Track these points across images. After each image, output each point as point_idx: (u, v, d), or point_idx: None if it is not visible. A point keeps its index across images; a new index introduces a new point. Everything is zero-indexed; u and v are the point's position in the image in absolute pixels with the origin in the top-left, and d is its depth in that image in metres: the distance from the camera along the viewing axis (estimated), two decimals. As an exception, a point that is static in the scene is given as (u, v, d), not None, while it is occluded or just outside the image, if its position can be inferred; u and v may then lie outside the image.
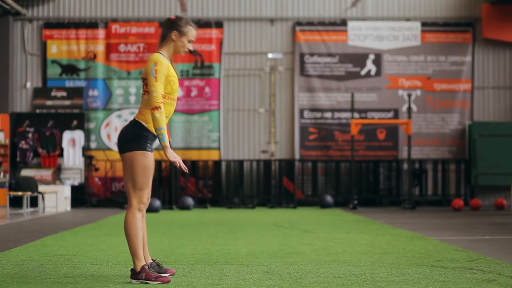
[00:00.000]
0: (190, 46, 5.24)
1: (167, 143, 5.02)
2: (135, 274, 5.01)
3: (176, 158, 5.06)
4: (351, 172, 18.01)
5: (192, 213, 15.33)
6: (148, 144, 5.09)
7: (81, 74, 19.05)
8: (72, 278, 5.24)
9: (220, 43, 19.20)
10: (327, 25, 19.34)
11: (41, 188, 15.65)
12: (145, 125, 5.07)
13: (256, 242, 8.19)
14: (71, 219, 13.35)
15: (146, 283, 4.97)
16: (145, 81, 5.09)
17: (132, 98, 19.10)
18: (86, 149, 18.79)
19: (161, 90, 5.02)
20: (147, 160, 5.05)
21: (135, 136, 5.06)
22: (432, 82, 19.41)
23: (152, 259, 5.27)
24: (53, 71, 19.08)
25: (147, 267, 5.01)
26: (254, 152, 19.19)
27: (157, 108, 4.96)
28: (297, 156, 19.06)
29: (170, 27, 5.18)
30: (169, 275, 5.24)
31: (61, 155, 18.53)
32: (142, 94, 5.16)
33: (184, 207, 16.84)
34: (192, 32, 5.21)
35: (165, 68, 5.05)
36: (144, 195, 5.08)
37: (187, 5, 19.12)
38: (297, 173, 18.88)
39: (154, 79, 5.01)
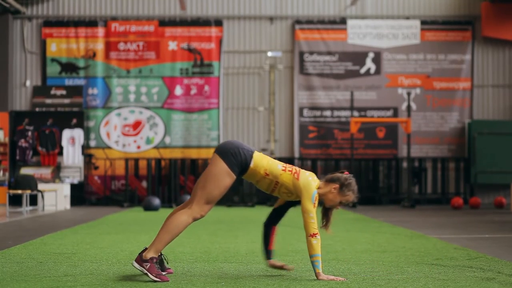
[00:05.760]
0: (338, 207, 5.28)
1: (321, 270, 5.08)
2: (141, 260, 5.01)
3: (330, 277, 5.10)
4: (350, 170, 18.00)
5: (192, 212, 15.30)
6: (237, 169, 5.13)
7: (81, 73, 19.04)
8: (71, 276, 5.24)
9: (220, 42, 19.19)
10: (326, 23, 19.34)
11: (41, 186, 15.64)
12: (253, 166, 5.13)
13: (255, 241, 8.19)
14: (70, 217, 13.35)
15: (146, 274, 4.98)
16: (280, 184, 5.15)
17: (132, 97, 19.09)
18: (85, 147, 18.79)
19: (316, 216, 5.10)
20: (230, 182, 5.10)
21: (239, 155, 5.12)
22: (432, 80, 19.41)
23: (160, 253, 5.24)
24: (53, 69, 19.07)
25: (155, 260, 5.02)
26: (253, 151, 19.17)
27: (315, 235, 5.06)
28: (296, 154, 19.07)
29: (339, 180, 5.22)
30: (165, 274, 5.22)
31: (60, 153, 18.53)
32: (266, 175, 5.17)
33: (184, 206, 16.79)
34: (349, 198, 5.24)
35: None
36: (208, 210, 5.12)
37: (187, 4, 19.10)
38: (297, 172, 18.87)
39: (313, 204, 5.09)
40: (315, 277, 5.10)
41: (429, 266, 5.86)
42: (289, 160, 18.73)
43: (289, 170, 5.18)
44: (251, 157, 5.15)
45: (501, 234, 9.36)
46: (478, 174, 18.65)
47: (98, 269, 5.65)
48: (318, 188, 5.19)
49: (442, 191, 19.02)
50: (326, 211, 5.31)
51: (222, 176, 5.08)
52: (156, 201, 15.89)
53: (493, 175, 18.75)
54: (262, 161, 5.17)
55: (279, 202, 5.47)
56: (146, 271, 4.98)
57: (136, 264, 5.03)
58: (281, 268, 5.35)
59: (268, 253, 5.40)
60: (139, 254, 5.07)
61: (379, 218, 12.89)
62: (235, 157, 5.10)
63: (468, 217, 13.20)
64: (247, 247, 7.45)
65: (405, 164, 18.98)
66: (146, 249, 5.09)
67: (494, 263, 6.06)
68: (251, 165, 5.14)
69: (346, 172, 5.31)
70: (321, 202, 5.31)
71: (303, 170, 5.26)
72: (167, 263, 5.43)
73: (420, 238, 8.47)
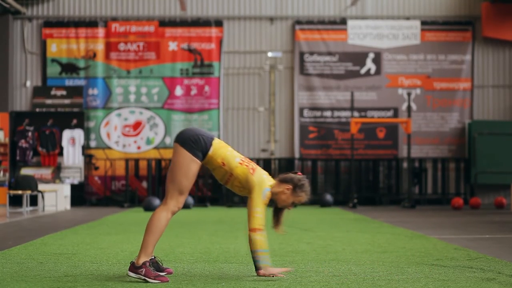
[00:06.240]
0: (290, 207, 5.28)
1: (268, 264, 5.05)
2: (135, 268, 5.00)
3: (276, 270, 5.11)
4: (350, 171, 18.01)
5: (192, 212, 15.33)
6: (200, 155, 5.14)
7: (81, 73, 19.05)
8: (71, 277, 5.24)
9: (220, 42, 19.20)
10: (326, 23, 19.34)
11: (41, 186, 15.64)
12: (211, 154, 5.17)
13: (255, 241, 8.18)
14: (70, 217, 13.35)
15: (145, 279, 4.97)
16: (233, 177, 5.17)
17: (132, 97, 19.10)
18: (85, 147, 18.79)
19: (264, 213, 5.09)
20: (196, 168, 5.11)
21: (199, 141, 5.12)
22: (432, 80, 19.41)
23: (153, 256, 5.26)
24: (53, 69, 19.08)
25: (148, 264, 5.01)
26: (253, 151, 19.19)
27: (257, 230, 5.05)
28: (296, 155, 19.06)
29: (292, 181, 5.22)
30: (165, 274, 5.22)
31: (60, 154, 18.53)
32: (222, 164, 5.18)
33: (184, 206, 16.83)
34: (301, 199, 5.25)
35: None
36: (183, 201, 5.13)
37: (187, 4, 19.10)
38: (297, 172, 18.86)
39: (262, 201, 5.10)
40: (257, 274, 5.10)
41: (430, 266, 5.86)
42: (289, 161, 18.75)
43: (245, 165, 5.18)
44: (211, 144, 5.16)
45: (501, 235, 9.36)
46: (478, 175, 18.65)
47: (98, 270, 5.64)
48: (272, 187, 5.20)
49: (443, 192, 19.02)
50: (277, 211, 5.31)
51: (187, 164, 5.09)
52: (157, 201, 15.88)
53: (493, 175, 18.75)
54: (220, 150, 5.19)
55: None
56: (143, 277, 4.96)
57: (131, 274, 5.02)
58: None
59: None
60: (131, 263, 5.06)
61: (379, 218, 12.88)
62: (195, 144, 5.12)
63: (468, 218, 13.20)
64: (247, 248, 7.43)
65: (405, 165, 18.98)
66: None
67: (494, 263, 6.06)
68: (210, 152, 5.16)
69: (299, 173, 5.33)
70: (272, 202, 5.32)
71: (260, 168, 5.28)
72: (162, 264, 5.42)
73: (421, 239, 8.47)
